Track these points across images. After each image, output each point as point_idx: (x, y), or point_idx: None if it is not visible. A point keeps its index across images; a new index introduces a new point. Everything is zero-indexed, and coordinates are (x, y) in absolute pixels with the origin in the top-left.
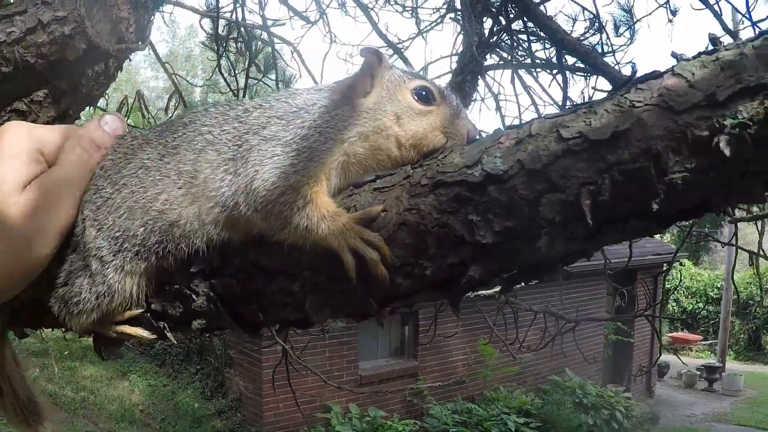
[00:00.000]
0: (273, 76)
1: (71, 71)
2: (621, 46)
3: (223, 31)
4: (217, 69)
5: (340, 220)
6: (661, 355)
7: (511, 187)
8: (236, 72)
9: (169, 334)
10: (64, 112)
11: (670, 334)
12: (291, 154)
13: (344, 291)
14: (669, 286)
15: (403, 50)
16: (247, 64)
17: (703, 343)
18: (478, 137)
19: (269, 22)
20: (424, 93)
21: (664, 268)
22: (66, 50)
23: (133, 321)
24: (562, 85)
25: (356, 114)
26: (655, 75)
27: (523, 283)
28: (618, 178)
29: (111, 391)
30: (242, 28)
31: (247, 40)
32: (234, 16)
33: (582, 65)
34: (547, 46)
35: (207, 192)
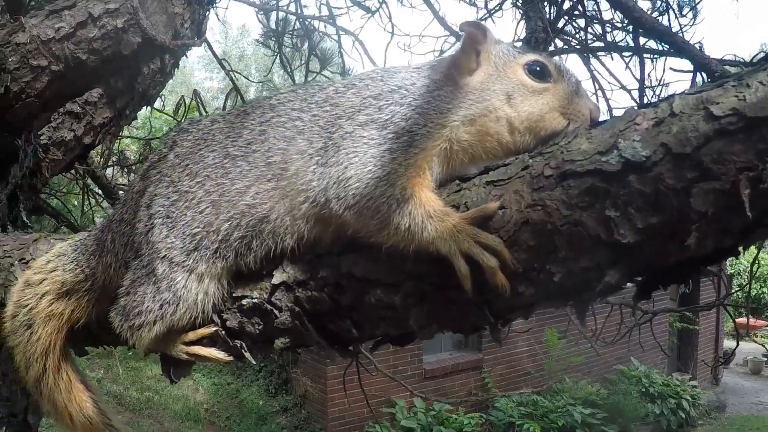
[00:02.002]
0: (332, 69)
1: (126, 68)
2: (684, 26)
3: (279, 26)
4: (274, 63)
5: (449, 220)
6: (738, 344)
7: (656, 175)
8: (292, 68)
9: (247, 355)
10: (120, 112)
11: (736, 320)
12: (389, 136)
13: (456, 302)
14: (732, 271)
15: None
16: (306, 57)
17: None
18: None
19: (327, 12)
20: (538, 68)
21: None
22: (119, 45)
23: (206, 341)
24: (639, 67)
25: (461, 94)
26: None
27: (662, 288)
28: None
29: (175, 390)
30: (300, 21)
31: (305, 33)
32: (295, 8)
33: (657, 46)
34: (612, 27)
35: (298, 185)
